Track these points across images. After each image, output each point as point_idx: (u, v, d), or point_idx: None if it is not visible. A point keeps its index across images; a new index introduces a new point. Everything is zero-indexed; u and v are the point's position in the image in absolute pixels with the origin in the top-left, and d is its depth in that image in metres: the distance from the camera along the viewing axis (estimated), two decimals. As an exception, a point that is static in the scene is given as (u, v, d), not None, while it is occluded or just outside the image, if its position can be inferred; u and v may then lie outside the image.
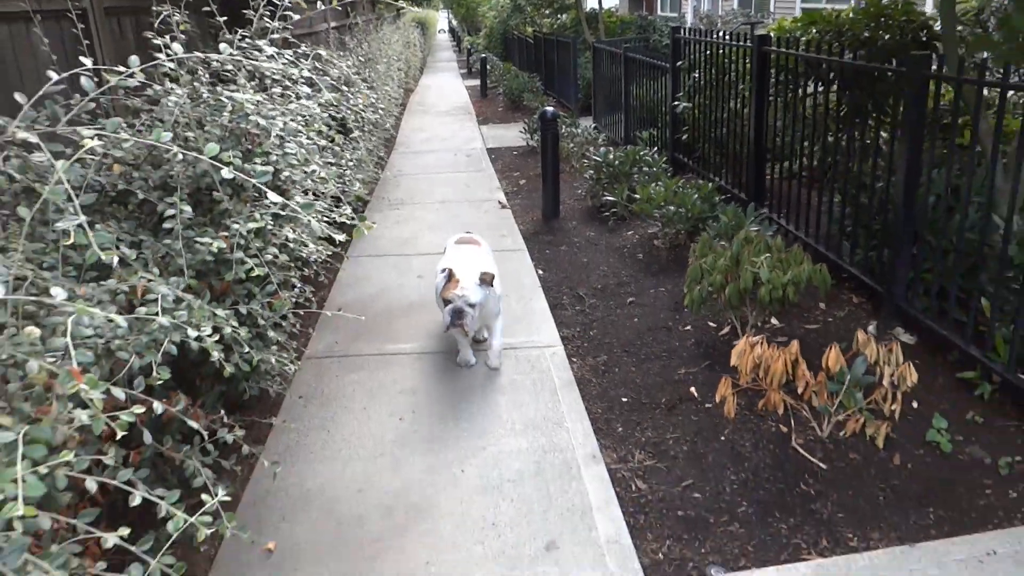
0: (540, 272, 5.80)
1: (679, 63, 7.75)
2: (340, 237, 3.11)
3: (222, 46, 2.75)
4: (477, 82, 19.61)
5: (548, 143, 7.02)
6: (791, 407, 3.43)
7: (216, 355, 2.16)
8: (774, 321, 4.59)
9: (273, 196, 2.13)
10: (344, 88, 5.82)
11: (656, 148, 7.89)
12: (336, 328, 4.72)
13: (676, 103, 7.71)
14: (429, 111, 15.68)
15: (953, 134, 3.99)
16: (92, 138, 1.86)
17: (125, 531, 1.64)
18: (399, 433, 3.63)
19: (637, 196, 6.23)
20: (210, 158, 2.02)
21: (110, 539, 1.63)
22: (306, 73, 3.15)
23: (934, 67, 3.95)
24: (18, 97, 2.12)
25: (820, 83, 5.36)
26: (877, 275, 4.55)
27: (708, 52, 6.94)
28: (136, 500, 1.75)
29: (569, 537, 2.88)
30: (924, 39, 5.58)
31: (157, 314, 2.00)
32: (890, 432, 3.34)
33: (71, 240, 1.72)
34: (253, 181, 2.13)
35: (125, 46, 4.34)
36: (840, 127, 5.14)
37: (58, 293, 1.71)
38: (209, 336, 2.13)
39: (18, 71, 3.42)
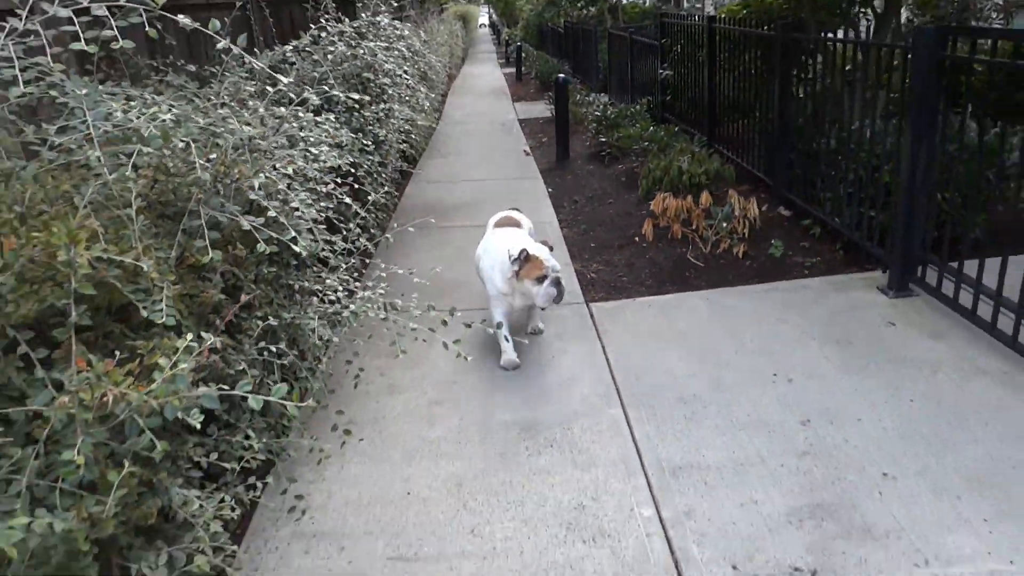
0: (549, 190, 8.10)
1: (663, 41, 9.99)
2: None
3: (356, 23, 5.11)
4: (513, 69, 21.97)
5: (560, 102, 9.32)
6: (688, 235, 5.71)
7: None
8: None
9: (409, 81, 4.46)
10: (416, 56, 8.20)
11: (650, 109, 10.14)
12: (408, 216, 7.07)
13: (661, 72, 9.96)
14: (470, 93, 18.07)
15: (807, 77, 6.16)
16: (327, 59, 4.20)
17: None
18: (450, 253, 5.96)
19: (621, 134, 8.52)
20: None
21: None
22: (407, 33, 5.50)
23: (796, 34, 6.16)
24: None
25: (747, 49, 7.57)
26: (767, 172, 6.77)
27: (680, 31, 9.18)
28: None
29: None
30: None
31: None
32: (746, 248, 5.59)
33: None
34: (392, 78, 4.45)
35: (277, 26, 6.75)
36: (756, 80, 7.35)
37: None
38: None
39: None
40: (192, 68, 3.64)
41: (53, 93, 2.19)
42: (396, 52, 5.36)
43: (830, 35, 5.75)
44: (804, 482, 3.01)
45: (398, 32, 5.45)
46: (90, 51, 2.13)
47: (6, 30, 2.01)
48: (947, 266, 4.31)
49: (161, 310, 1.93)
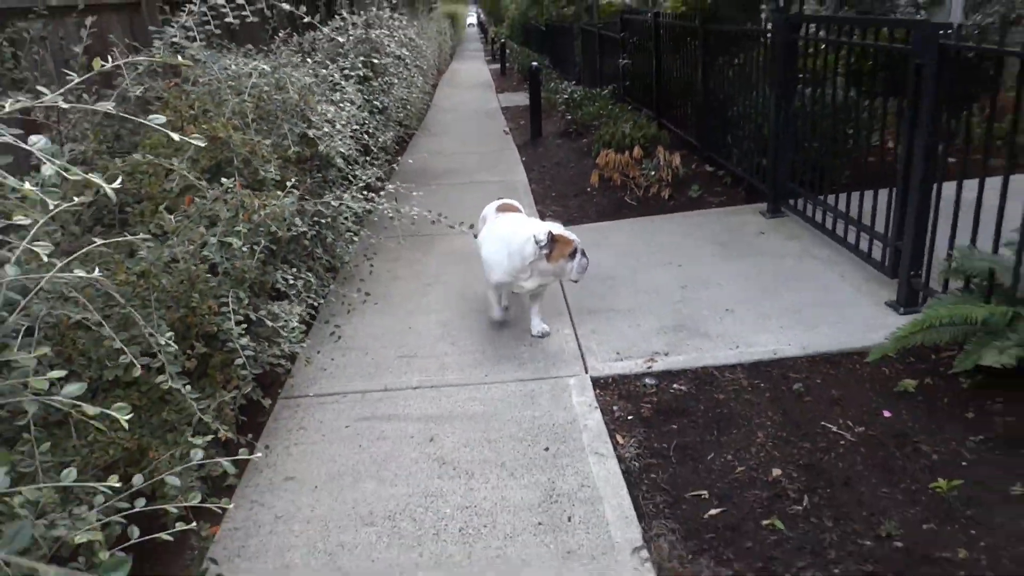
0: (523, 159, 9.63)
1: (623, 34, 11.53)
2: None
3: (364, 16, 6.62)
4: (499, 65, 23.51)
5: (534, 86, 10.85)
6: (626, 183, 7.24)
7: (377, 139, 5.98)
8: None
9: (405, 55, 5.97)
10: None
11: (613, 94, 11.68)
12: (403, 179, 8.58)
13: (621, 61, 11.51)
14: (457, 86, 19.62)
15: (720, 60, 7.67)
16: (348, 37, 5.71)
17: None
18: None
19: (583, 112, 10.07)
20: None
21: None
22: (405, 23, 7.02)
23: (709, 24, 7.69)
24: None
25: (681, 39, 9.11)
26: (697, 138, 8.31)
27: (636, 25, 10.73)
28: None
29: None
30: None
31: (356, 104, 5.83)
32: (671, 192, 7.12)
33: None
34: (394, 58, 5.96)
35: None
36: (688, 65, 8.89)
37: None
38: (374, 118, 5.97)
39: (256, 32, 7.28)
40: (252, 45, 5.15)
41: (195, 54, 3.70)
42: (396, 38, 6.87)
43: (723, 26, 7.27)
44: (674, 315, 4.54)
45: (398, 23, 6.97)
46: (217, 31, 3.65)
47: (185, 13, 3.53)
48: (807, 192, 5.83)
49: (270, 170, 3.45)
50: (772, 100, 5.93)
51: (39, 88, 1.64)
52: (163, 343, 2.02)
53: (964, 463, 3.08)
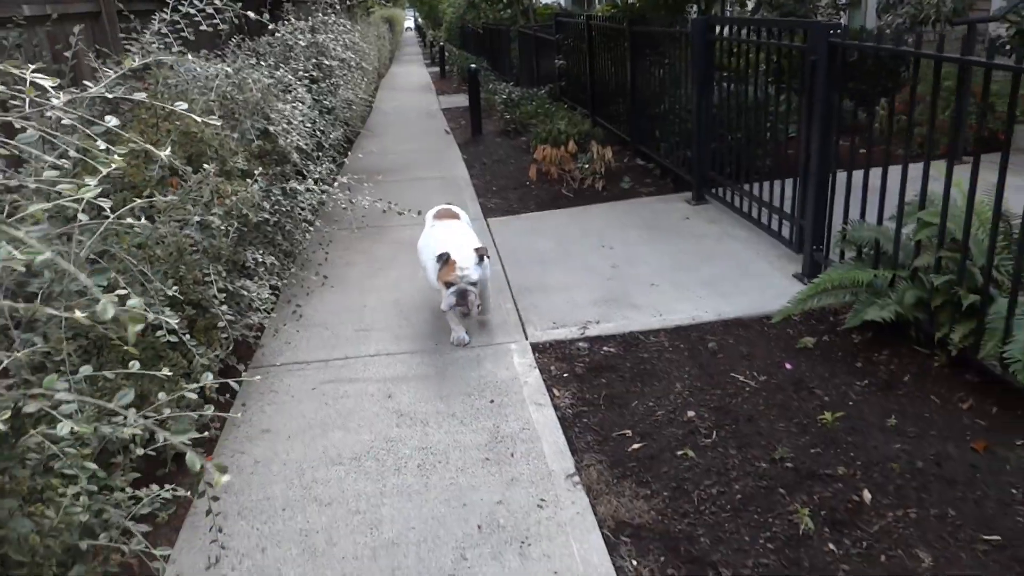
0: (464, 156, 10.06)
1: (558, 36, 12.06)
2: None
3: (310, 22, 6.99)
4: (438, 69, 23.90)
5: (473, 86, 11.31)
6: (562, 176, 7.74)
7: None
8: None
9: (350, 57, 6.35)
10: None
11: (550, 93, 12.20)
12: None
13: (557, 61, 12.04)
14: (398, 89, 19.97)
15: (639, 56, 8.22)
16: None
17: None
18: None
19: (520, 111, 10.56)
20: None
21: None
22: (350, 27, 7.40)
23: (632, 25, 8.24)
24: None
25: (611, 40, 9.65)
26: (629, 134, 8.85)
27: (570, 28, 11.26)
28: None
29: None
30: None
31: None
32: (604, 184, 7.63)
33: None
34: (340, 61, 6.34)
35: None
36: (618, 64, 9.44)
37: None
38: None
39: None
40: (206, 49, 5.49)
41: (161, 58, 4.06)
42: (341, 42, 7.25)
43: (648, 27, 7.82)
44: (604, 289, 5.04)
45: (343, 28, 7.35)
46: (190, 37, 4.02)
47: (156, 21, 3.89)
48: (727, 180, 6.39)
49: (238, 161, 3.84)
50: (694, 96, 6.48)
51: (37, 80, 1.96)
52: (170, 294, 2.41)
53: (850, 403, 3.62)
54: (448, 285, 3.91)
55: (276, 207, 4.45)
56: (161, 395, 1.86)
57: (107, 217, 1.67)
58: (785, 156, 5.64)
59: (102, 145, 1.67)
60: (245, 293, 3.46)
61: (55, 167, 1.77)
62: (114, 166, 1.58)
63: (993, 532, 2.73)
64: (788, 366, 3.99)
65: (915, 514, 2.85)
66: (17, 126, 1.71)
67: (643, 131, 8.39)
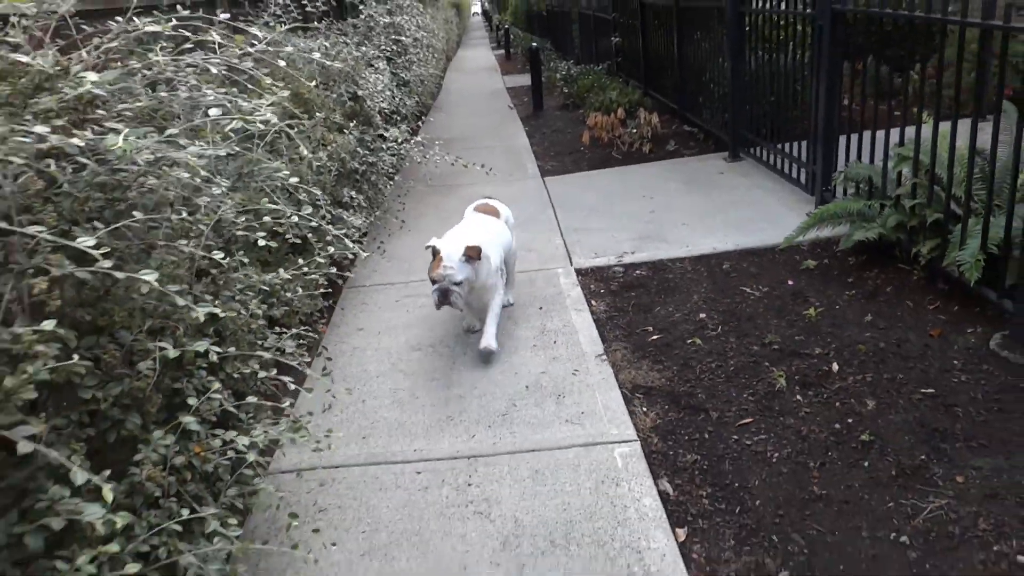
0: (526, 128, 10.92)
1: (614, 15, 12.78)
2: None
3: (388, 5, 7.92)
4: (503, 51, 24.76)
5: (535, 64, 12.14)
6: (612, 140, 8.53)
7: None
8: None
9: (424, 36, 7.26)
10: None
11: (608, 70, 12.95)
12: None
13: (613, 39, 12.77)
14: (465, 71, 20.91)
15: (685, 31, 8.91)
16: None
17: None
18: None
19: (578, 85, 11.36)
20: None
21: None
22: (423, 9, 8.30)
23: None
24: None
25: (660, 17, 10.35)
26: (676, 103, 9.57)
27: (625, 6, 11.99)
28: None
29: (520, 172, 8.01)
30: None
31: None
32: (652, 147, 8.39)
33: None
34: (414, 40, 7.25)
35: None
36: (668, 39, 10.14)
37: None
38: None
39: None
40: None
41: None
42: (415, 23, 8.17)
43: (692, 3, 8.52)
44: (641, 229, 5.85)
45: (416, 11, 8.29)
46: (298, 17, 4.96)
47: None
48: (759, 139, 7.10)
49: (336, 116, 4.77)
50: (728, 64, 7.20)
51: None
52: (317, 197, 3.36)
53: (836, 307, 4.36)
54: (433, 282, 3.75)
55: (364, 159, 5.38)
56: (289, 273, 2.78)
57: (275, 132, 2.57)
58: (805, 115, 6.33)
59: (268, 81, 2.57)
60: (345, 217, 4.39)
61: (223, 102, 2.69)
62: (280, 95, 2.48)
63: (930, 388, 3.48)
64: (790, 282, 4.74)
65: (871, 378, 3.61)
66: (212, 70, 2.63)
67: (689, 99, 9.09)
